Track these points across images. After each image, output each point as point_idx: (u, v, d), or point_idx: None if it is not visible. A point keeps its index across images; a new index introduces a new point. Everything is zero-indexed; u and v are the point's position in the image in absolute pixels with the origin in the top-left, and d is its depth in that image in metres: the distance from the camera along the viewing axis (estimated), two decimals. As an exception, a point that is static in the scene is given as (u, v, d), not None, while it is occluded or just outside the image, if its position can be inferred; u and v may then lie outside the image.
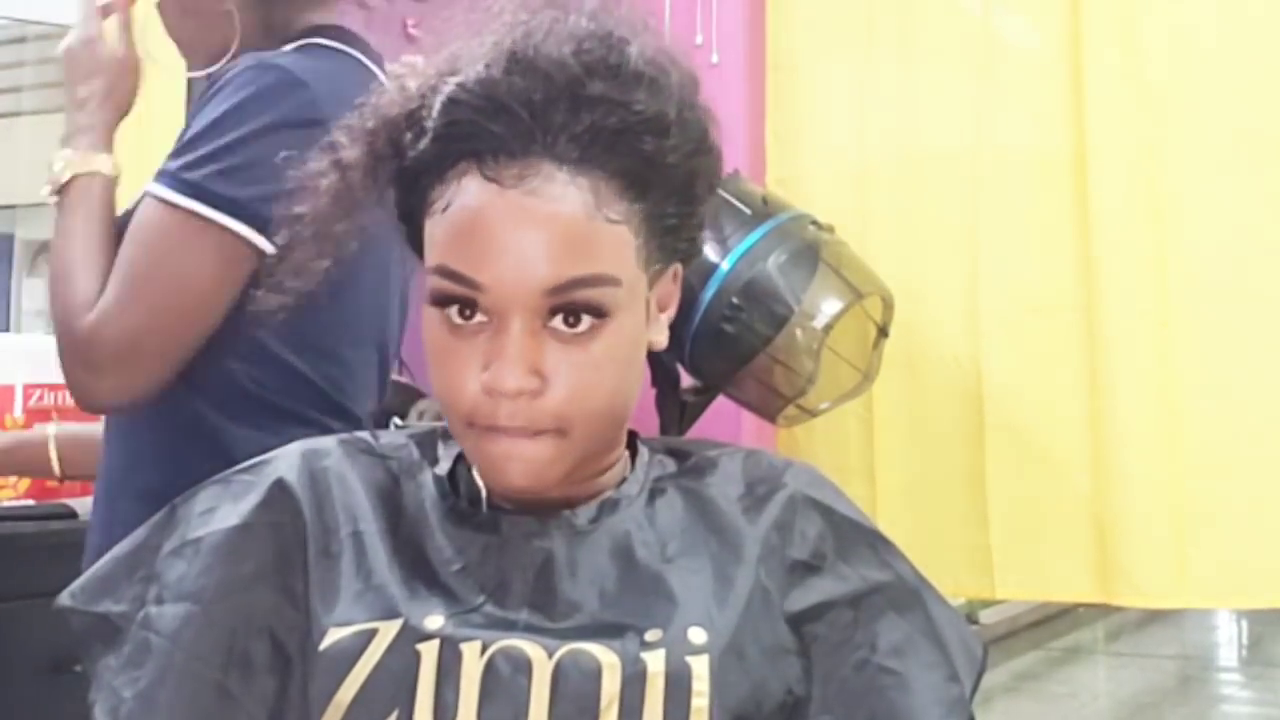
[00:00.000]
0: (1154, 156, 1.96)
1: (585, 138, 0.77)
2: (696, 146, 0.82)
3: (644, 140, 0.78)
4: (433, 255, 0.80)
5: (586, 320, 0.78)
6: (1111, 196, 1.98)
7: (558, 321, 0.78)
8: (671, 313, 0.87)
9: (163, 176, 1.13)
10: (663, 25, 2.21)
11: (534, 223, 0.76)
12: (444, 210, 0.79)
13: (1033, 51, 2.09)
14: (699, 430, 1.92)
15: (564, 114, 0.77)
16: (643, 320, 0.82)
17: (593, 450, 0.83)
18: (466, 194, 0.78)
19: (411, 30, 2.42)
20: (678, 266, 0.86)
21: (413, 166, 0.81)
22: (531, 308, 0.77)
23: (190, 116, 1.17)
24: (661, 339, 0.86)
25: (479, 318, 0.78)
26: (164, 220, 1.12)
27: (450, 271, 0.78)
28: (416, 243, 0.84)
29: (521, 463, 0.79)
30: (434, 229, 0.80)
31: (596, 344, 0.78)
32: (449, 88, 0.79)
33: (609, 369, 0.79)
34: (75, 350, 1.12)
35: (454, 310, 0.79)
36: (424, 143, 0.80)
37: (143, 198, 1.16)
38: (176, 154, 1.14)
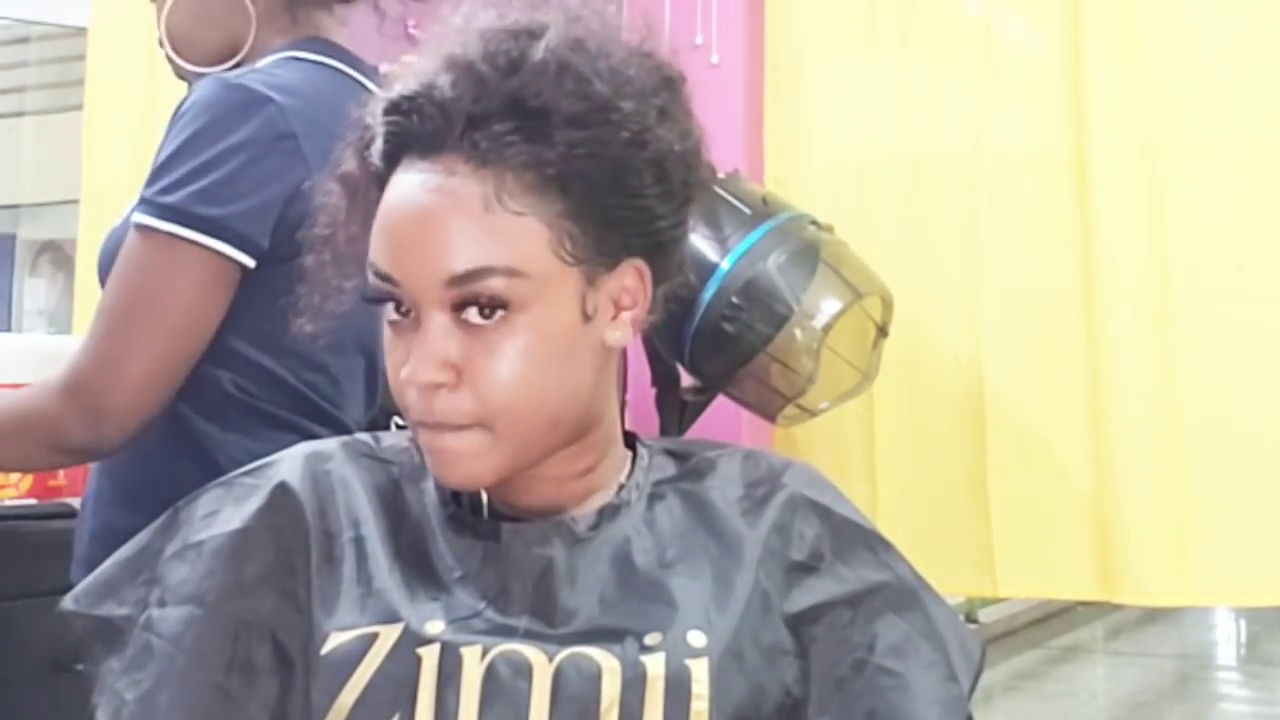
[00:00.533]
0: (1154, 157, 1.96)
1: (489, 133, 0.78)
2: (631, 138, 0.80)
3: (551, 133, 0.78)
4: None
5: (498, 313, 0.78)
6: (1111, 197, 1.98)
7: (472, 314, 0.78)
8: (639, 312, 0.84)
9: (142, 204, 1.13)
10: (663, 25, 2.20)
11: (433, 217, 0.78)
12: (380, 210, 0.81)
13: (1033, 52, 2.09)
14: (699, 430, 1.92)
15: (469, 111, 0.78)
16: (572, 316, 0.80)
17: (535, 448, 0.82)
18: (390, 193, 0.80)
19: (411, 30, 2.42)
20: (639, 264, 0.83)
21: (376, 170, 0.83)
22: (437, 300, 0.78)
23: (162, 141, 1.17)
24: (621, 337, 0.83)
25: (411, 314, 0.80)
26: (147, 248, 1.12)
27: (375, 269, 0.80)
28: None
29: (451, 457, 0.80)
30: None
31: (508, 337, 0.78)
32: (392, 93, 0.81)
33: (524, 363, 0.78)
34: (82, 403, 1.10)
35: (391, 308, 0.81)
36: (374, 149, 0.83)
37: (130, 216, 1.15)
38: (151, 180, 1.13)
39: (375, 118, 0.82)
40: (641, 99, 0.81)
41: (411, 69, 0.82)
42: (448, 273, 0.77)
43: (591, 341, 0.82)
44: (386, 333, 0.82)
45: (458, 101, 0.78)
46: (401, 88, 0.81)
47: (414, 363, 0.78)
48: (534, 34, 0.81)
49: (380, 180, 0.82)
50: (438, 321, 0.78)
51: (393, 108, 0.81)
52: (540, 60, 0.79)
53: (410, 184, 0.79)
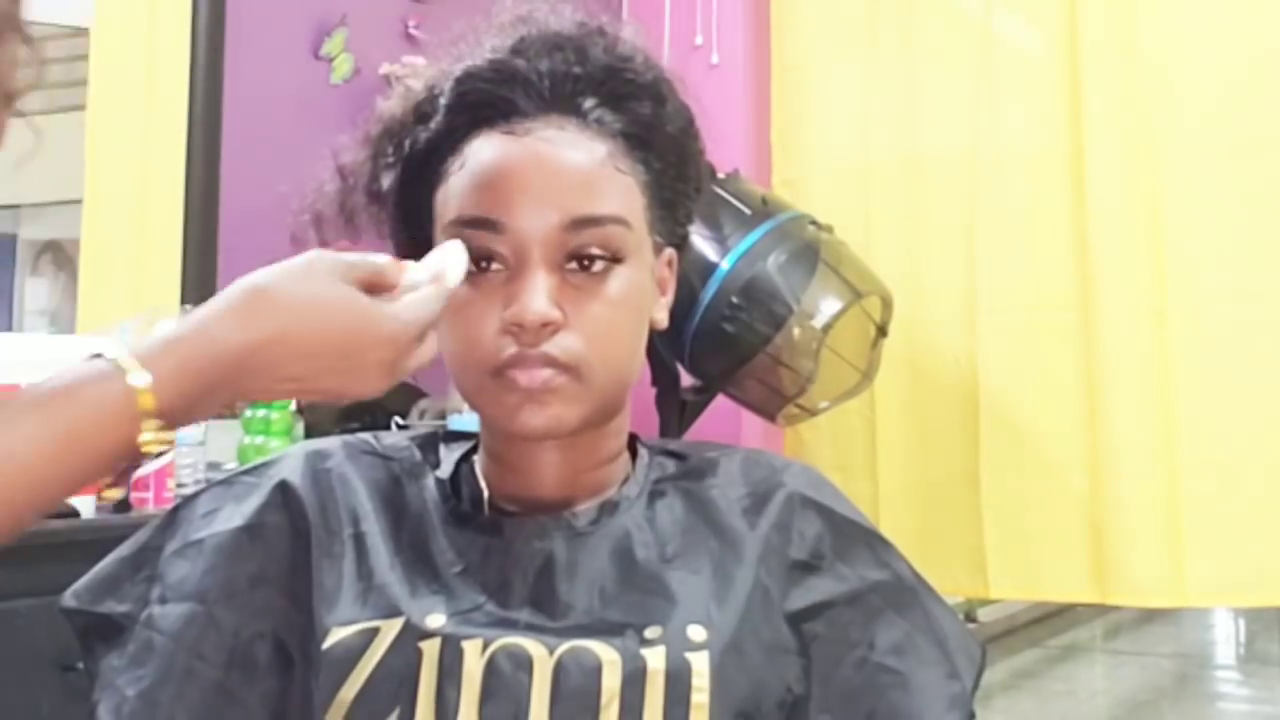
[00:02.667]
0: (1152, 157, 1.96)
1: (592, 98, 0.83)
2: (687, 126, 0.87)
3: (644, 104, 0.84)
4: (448, 212, 0.82)
5: (600, 263, 0.80)
6: (1110, 197, 1.98)
7: (573, 266, 0.80)
8: (669, 299, 0.89)
9: None
10: (663, 25, 2.21)
11: (550, 164, 0.80)
12: (459, 170, 0.82)
13: (1032, 53, 2.10)
14: (699, 430, 1.92)
15: (571, 78, 0.83)
16: (650, 280, 0.85)
17: (606, 407, 0.84)
18: (482, 151, 0.82)
19: (412, 30, 2.43)
20: (672, 254, 0.88)
21: (424, 147, 0.84)
22: (552, 243, 0.80)
23: None
24: (663, 317, 0.88)
25: (495, 266, 0.81)
26: None
27: (469, 219, 0.81)
28: (409, 249, 0.85)
29: (545, 398, 0.80)
30: (447, 192, 0.83)
31: (611, 285, 0.81)
32: (458, 70, 0.84)
33: (623, 312, 0.82)
34: None
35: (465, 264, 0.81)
36: (435, 120, 0.84)
37: None
38: None
39: (441, 93, 0.84)
40: (680, 97, 0.88)
41: (484, 45, 0.85)
42: (569, 216, 0.80)
43: (651, 312, 0.86)
44: (463, 289, 0.80)
45: (559, 70, 0.83)
46: (477, 64, 0.83)
47: (524, 300, 0.79)
48: (617, 26, 0.87)
49: (424, 155, 0.84)
50: (546, 266, 0.80)
51: (474, 79, 0.83)
52: (631, 42, 0.86)
53: (514, 138, 0.81)
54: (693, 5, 2.19)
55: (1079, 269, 2.01)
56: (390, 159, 0.86)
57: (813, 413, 1.93)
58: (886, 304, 1.91)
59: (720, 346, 1.82)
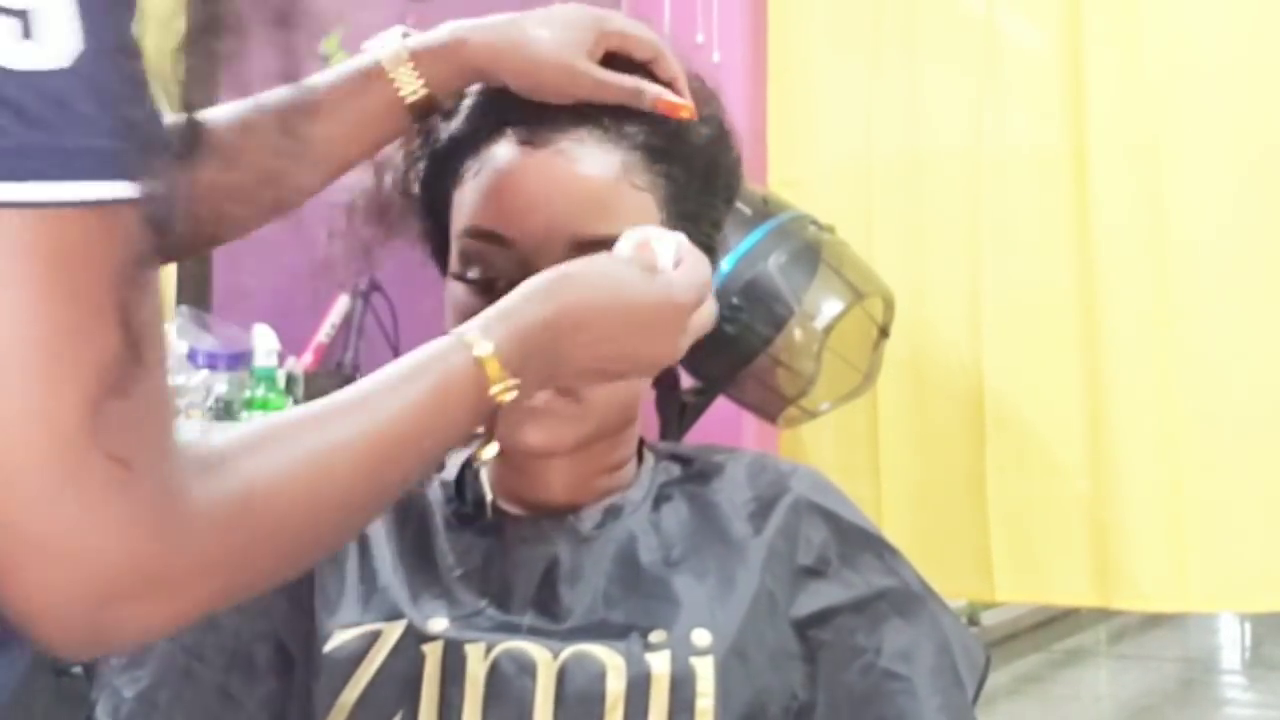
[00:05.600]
0: (1155, 156, 1.96)
1: (613, 108, 0.80)
2: (717, 136, 0.85)
3: (666, 119, 0.82)
4: (460, 220, 0.82)
5: None
6: (1113, 196, 1.97)
7: None
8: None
9: None
10: (663, 22, 2.20)
11: (563, 180, 0.79)
12: (475, 175, 0.81)
13: (1034, 52, 2.09)
14: (700, 431, 1.91)
15: None
16: None
17: (606, 426, 0.83)
18: (498, 158, 0.81)
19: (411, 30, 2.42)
20: None
21: (446, 145, 0.83)
22: (557, 262, 0.77)
23: None
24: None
25: (501, 284, 0.79)
26: None
27: (479, 230, 0.80)
28: (438, 244, 0.85)
29: (544, 416, 0.79)
30: (463, 196, 0.82)
31: None
32: None
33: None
34: None
35: (476, 272, 0.81)
36: (456, 121, 0.83)
37: None
38: None
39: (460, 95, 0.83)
40: (716, 102, 0.86)
41: None
42: (579, 235, 0.78)
43: None
44: (465, 300, 0.81)
45: None
46: None
47: None
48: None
49: (444, 156, 0.83)
50: None
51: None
52: None
53: (530, 149, 0.80)
54: (693, 3, 2.19)
55: (1083, 270, 2.00)
56: (417, 153, 0.86)
57: (814, 414, 1.92)
58: (888, 305, 1.90)
59: (721, 348, 1.81)
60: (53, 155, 0.43)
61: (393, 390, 0.61)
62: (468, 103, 0.83)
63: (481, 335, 0.65)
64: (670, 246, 0.76)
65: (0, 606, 0.47)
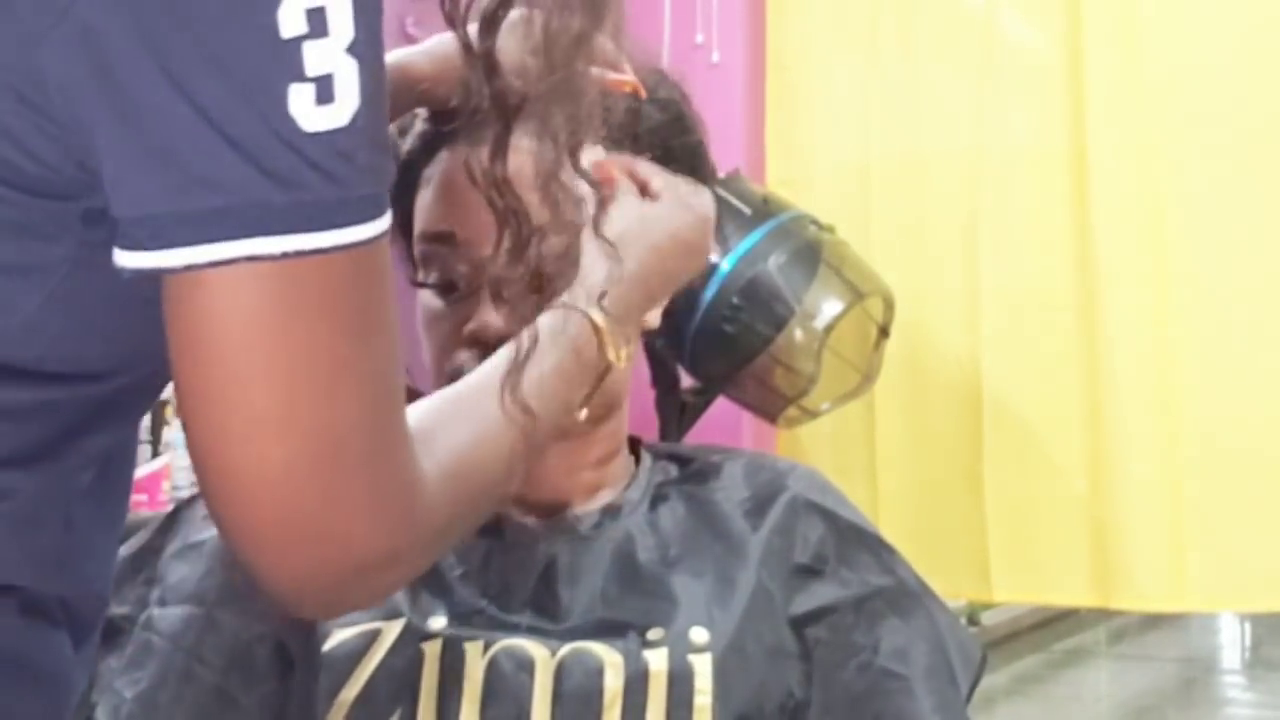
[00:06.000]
0: (1155, 157, 1.96)
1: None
2: (673, 119, 0.86)
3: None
4: (417, 227, 0.83)
5: None
6: (1112, 196, 1.97)
7: None
8: (663, 300, 0.87)
9: None
10: (662, 24, 2.20)
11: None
12: (428, 182, 0.83)
13: (1034, 52, 2.09)
14: (699, 431, 1.92)
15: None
16: None
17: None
18: (444, 162, 0.82)
19: (411, 30, 2.42)
20: None
21: (404, 160, 0.84)
22: None
23: None
24: (655, 318, 0.86)
25: (460, 285, 0.81)
26: None
27: (430, 234, 0.81)
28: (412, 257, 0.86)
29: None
30: (419, 203, 0.84)
31: None
32: None
33: None
34: None
35: (435, 276, 0.82)
36: (410, 134, 0.84)
37: None
38: None
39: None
40: (671, 87, 0.87)
41: None
42: None
43: None
44: (430, 306, 0.82)
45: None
46: None
47: (481, 316, 0.79)
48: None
49: (407, 166, 0.84)
50: None
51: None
52: None
53: (473, 145, 0.79)
54: (692, 3, 2.19)
55: (1083, 270, 2.00)
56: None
57: (814, 414, 1.92)
58: (888, 304, 1.90)
59: (721, 348, 1.81)
60: (345, 206, 0.50)
61: (548, 349, 0.67)
62: (423, 112, 0.84)
63: (589, 302, 0.70)
64: (641, 165, 0.79)
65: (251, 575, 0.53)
